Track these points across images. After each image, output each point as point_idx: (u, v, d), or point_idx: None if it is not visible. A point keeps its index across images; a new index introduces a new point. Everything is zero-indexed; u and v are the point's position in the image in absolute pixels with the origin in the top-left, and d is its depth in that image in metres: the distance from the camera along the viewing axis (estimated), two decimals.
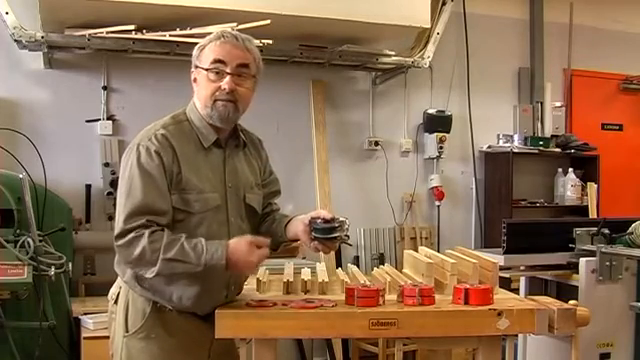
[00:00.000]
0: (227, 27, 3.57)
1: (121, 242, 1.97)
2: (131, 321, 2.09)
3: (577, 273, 3.14)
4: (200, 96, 2.12)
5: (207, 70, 2.07)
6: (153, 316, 2.08)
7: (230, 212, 2.13)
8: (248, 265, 2.03)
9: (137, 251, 1.95)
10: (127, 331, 2.09)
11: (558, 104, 5.46)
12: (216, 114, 2.09)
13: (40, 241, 3.14)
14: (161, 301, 2.08)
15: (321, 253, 2.23)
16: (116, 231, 1.98)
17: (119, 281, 2.18)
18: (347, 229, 2.11)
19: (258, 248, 2.02)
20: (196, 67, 2.13)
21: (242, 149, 2.24)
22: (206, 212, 2.07)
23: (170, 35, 3.86)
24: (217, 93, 2.07)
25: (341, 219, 2.12)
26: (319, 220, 2.12)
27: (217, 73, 2.07)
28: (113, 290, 2.20)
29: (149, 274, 1.98)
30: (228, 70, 2.07)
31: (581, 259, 3.12)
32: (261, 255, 2.02)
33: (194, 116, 2.14)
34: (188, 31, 3.81)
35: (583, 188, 5.18)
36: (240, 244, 2.00)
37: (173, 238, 1.97)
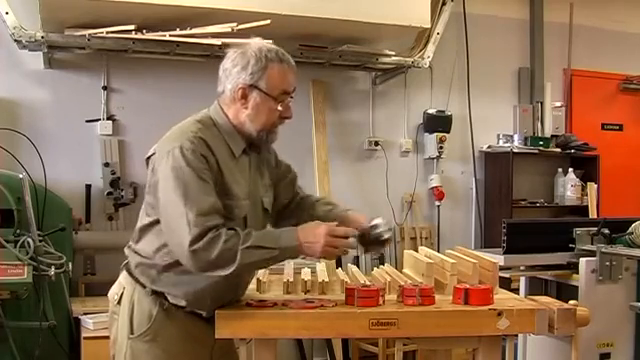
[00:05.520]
0: (227, 27, 3.57)
1: (199, 245, 1.89)
2: (136, 322, 2.07)
3: (577, 273, 3.15)
4: (258, 120, 2.06)
5: (275, 99, 2.05)
6: (160, 318, 2.06)
7: (249, 218, 2.10)
8: (323, 251, 2.03)
9: (216, 251, 1.90)
10: (132, 333, 2.07)
11: (558, 104, 5.46)
12: (272, 139, 2.13)
13: (40, 241, 3.13)
14: (174, 296, 2.06)
15: None
16: (190, 236, 1.89)
17: (122, 281, 2.16)
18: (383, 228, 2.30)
19: (333, 237, 2.02)
20: (251, 86, 2.04)
21: (258, 153, 2.22)
22: (241, 219, 2.06)
23: (170, 35, 3.84)
24: (277, 121, 2.09)
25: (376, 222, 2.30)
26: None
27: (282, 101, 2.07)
28: (115, 290, 2.18)
29: (227, 271, 1.94)
30: (289, 98, 2.09)
31: (581, 259, 3.12)
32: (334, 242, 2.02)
33: (222, 122, 2.09)
34: (188, 31, 3.80)
35: (583, 188, 5.18)
36: (307, 230, 2.03)
37: (247, 231, 1.97)
